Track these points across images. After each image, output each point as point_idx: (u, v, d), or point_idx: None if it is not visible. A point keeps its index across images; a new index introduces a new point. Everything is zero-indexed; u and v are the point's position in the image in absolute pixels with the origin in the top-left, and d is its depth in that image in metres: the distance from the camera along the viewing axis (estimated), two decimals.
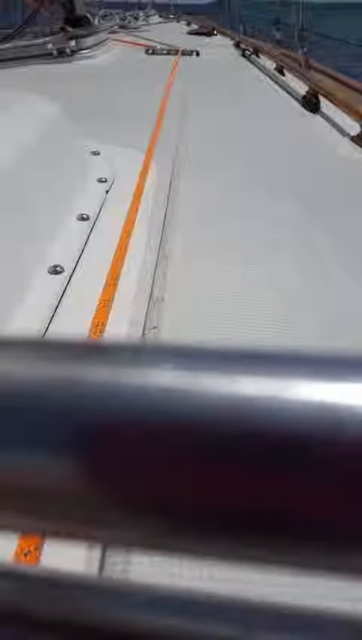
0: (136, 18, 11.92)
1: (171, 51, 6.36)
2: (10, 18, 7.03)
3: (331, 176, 2.32)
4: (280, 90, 4.26)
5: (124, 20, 10.50)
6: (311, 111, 3.48)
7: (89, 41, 5.86)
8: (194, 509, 0.16)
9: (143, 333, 1.21)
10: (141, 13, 13.00)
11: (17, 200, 1.40)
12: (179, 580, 0.70)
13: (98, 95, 3.92)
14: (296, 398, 0.15)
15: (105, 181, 1.98)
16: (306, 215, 1.88)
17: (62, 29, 5.72)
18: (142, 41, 7.24)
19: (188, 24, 11.61)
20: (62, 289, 1.35)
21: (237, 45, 6.92)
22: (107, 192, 1.93)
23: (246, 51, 6.24)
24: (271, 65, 5.26)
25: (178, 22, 13.44)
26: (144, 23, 11.63)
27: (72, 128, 2.05)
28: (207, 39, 8.61)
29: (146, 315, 1.27)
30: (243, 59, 6.10)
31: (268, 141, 2.82)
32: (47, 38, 5.56)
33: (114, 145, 2.35)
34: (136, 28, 10.18)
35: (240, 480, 0.15)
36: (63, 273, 1.39)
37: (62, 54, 5.47)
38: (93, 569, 0.71)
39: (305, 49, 4.83)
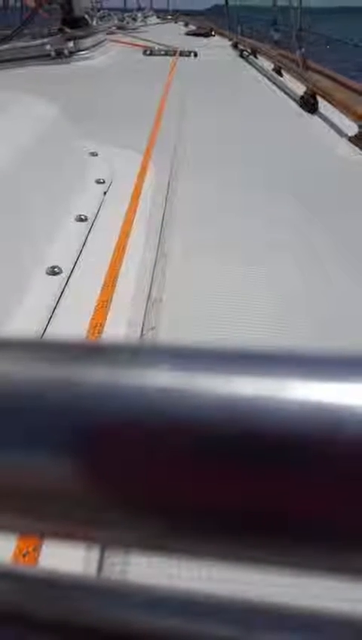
0: (135, 19, 11.91)
1: (169, 52, 6.36)
2: (8, 19, 7.03)
3: (329, 176, 2.33)
4: (278, 90, 4.26)
5: (122, 21, 10.51)
6: (309, 111, 3.48)
7: (87, 42, 5.86)
8: (192, 509, 0.16)
9: (141, 334, 1.21)
10: (139, 15, 13.00)
11: (15, 201, 1.40)
12: (177, 581, 0.70)
13: (96, 96, 3.92)
14: (293, 398, 0.15)
15: (104, 182, 1.98)
16: (304, 215, 1.88)
17: (60, 30, 5.72)
18: (140, 42, 7.24)
19: (186, 25, 11.62)
20: (61, 290, 1.35)
21: (235, 46, 6.92)
22: (105, 192, 1.93)
23: (244, 52, 6.24)
24: (269, 65, 5.26)
25: (176, 23, 13.45)
26: (142, 24, 11.63)
27: (70, 129, 2.05)
28: (204, 40, 8.62)
29: (144, 315, 1.27)
30: (241, 59, 6.10)
31: (266, 141, 2.82)
32: (45, 39, 5.55)
33: (112, 146, 2.35)
34: (134, 29, 10.18)
35: (238, 480, 0.15)
36: (61, 274, 1.39)
37: (60, 55, 5.46)
38: (92, 570, 0.71)
39: (303, 49, 4.83)
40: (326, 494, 0.15)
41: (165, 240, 1.63)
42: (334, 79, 4.01)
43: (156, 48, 6.58)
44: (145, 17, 13.04)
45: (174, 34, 9.09)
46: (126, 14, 11.92)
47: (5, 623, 0.20)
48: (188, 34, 9.37)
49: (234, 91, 4.33)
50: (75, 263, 1.47)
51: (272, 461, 0.15)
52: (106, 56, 6.01)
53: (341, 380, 0.16)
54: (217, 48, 7.17)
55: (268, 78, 4.77)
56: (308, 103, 3.53)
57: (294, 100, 3.76)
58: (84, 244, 1.57)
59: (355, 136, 2.80)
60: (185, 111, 3.36)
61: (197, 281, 1.44)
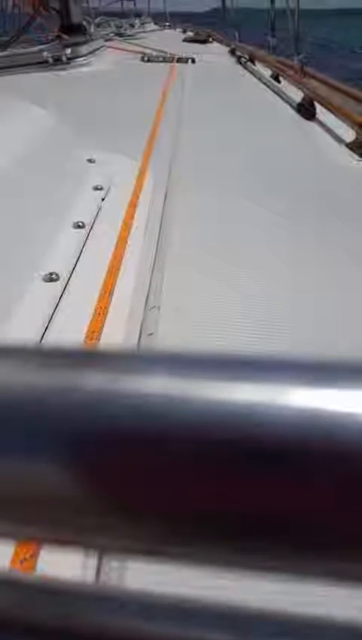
0: (133, 26, 11.96)
1: (167, 59, 6.38)
2: (5, 26, 7.05)
3: (327, 182, 2.33)
4: (275, 97, 4.27)
5: (120, 28, 10.55)
6: (307, 118, 3.49)
7: (85, 48, 5.87)
8: (191, 515, 0.16)
9: (139, 341, 1.21)
10: (137, 21, 13.04)
11: (13, 208, 1.41)
12: (176, 587, 0.69)
13: (94, 103, 3.93)
14: (292, 404, 0.15)
15: (101, 189, 1.98)
16: (302, 221, 1.88)
17: (58, 36, 5.73)
18: (138, 49, 7.27)
19: (184, 31, 11.65)
20: (58, 297, 1.35)
21: (232, 52, 6.94)
22: (103, 199, 1.93)
23: (242, 58, 6.26)
24: (266, 72, 5.27)
25: (173, 29, 13.49)
26: (140, 30, 11.67)
27: (68, 136, 2.06)
28: (202, 46, 8.64)
29: (142, 322, 1.27)
30: (238, 66, 6.12)
31: (264, 148, 2.82)
32: (42, 46, 5.56)
33: (110, 152, 2.35)
34: (131, 35, 10.22)
35: (237, 487, 0.15)
36: (59, 281, 1.39)
37: (57, 62, 5.48)
38: (90, 576, 0.71)
39: (301, 56, 4.84)
40: (326, 500, 0.15)
41: (162, 246, 1.63)
42: (332, 86, 4.02)
43: (154, 55, 6.60)
44: (143, 24, 13.08)
45: (172, 40, 9.11)
46: (124, 20, 11.97)
47: (2, 630, 0.20)
48: (185, 40, 9.40)
49: (232, 98, 4.34)
50: (73, 269, 1.47)
51: (271, 467, 0.15)
52: (104, 63, 6.02)
53: (339, 386, 0.16)
54: (215, 55, 7.19)
55: (266, 85, 4.78)
56: (306, 110, 3.54)
57: (292, 106, 3.77)
58: (82, 250, 1.57)
59: (353, 142, 2.80)
60: (182, 117, 3.36)
61: (195, 287, 1.44)
